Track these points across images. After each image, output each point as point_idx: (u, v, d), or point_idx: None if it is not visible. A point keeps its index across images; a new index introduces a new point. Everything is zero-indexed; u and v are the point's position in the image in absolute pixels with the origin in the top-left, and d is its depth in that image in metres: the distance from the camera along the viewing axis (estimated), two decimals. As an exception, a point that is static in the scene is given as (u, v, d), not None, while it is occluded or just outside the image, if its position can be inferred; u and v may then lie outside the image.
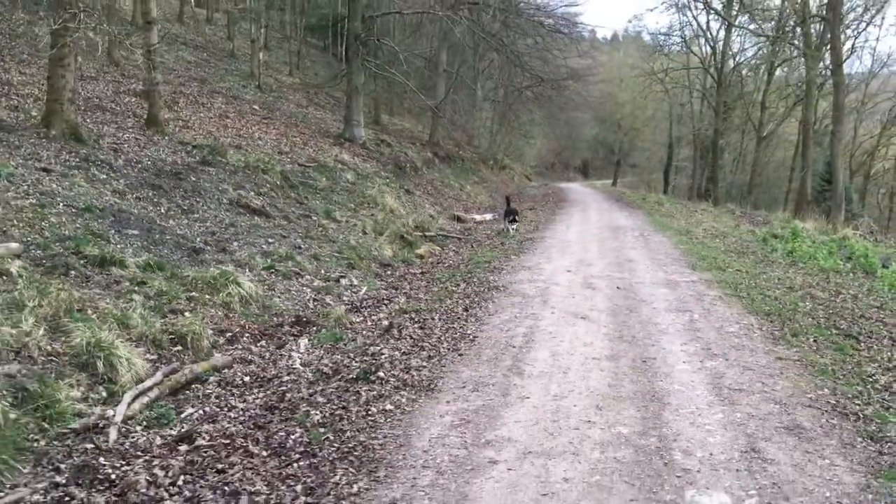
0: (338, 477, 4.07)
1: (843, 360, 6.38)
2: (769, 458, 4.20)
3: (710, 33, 33.49)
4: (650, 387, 5.43)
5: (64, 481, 4.30)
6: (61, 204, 9.15)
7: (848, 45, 28.78)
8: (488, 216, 19.26)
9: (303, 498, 3.85)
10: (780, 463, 4.16)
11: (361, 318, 8.09)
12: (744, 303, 8.36)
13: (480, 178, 31.00)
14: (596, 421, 4.76)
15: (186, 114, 18.08)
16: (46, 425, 4.98)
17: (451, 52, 30.46)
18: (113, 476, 4.32)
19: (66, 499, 4.08)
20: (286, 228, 12.25)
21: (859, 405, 5.21)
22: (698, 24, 34.79)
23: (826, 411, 5.03)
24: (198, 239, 10.13)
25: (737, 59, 34.18)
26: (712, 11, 31.82)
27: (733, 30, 31.60)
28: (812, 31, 24.99)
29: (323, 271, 10.58)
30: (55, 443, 4.83)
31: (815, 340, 6.90)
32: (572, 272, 10.28)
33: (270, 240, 11.25)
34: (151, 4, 15.33)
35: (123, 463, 4.48)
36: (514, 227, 15.58)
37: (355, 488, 3.93)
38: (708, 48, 34.02)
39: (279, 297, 9.02)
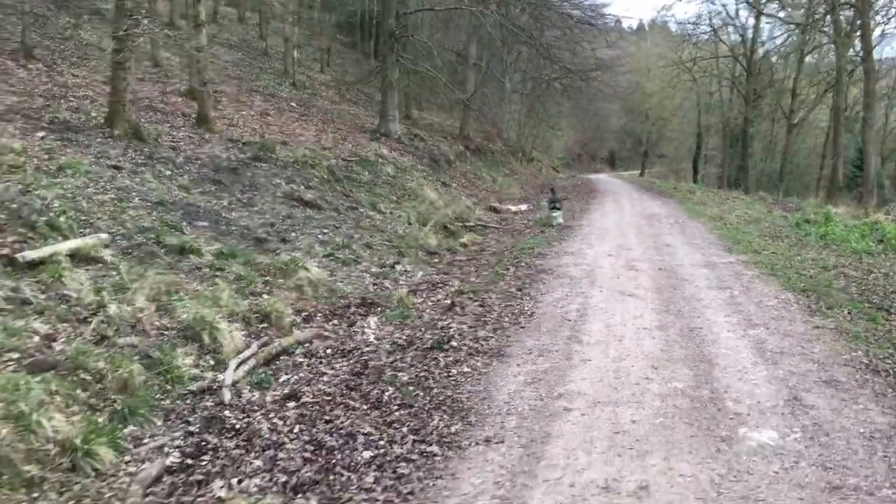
0: (435, 422, 4.81)
1: (876, 328, 7.00)
2: (809, 405, 4.87)
3: (740, 21, 33.87)
4: (699, 351, 6.11)
5: (196, 430, 5.07)
6: (136, 198, 9.99)
7: (878, 31, 29.04)
8: (523, 207, 19.92)
9: (410, 437, 4.59)
10: (820, 408, 4.82)
11: (422, 300, 8.82)
12: (780, 281, 8.99)
13: (511, 171, 31.67)
14: (653, 378, 5.45)
15: (230, 112, 18.93)
16: (169, 387, 5.78)
17: (480, 45, 31.12)
18: (237, 426, 5.08)
19: (202, 443, 4.85)
20: (337, 220, 13.03)
21: (890, 364, 5.84)
22: (727, 13, 35.25)
23: (860, 369, 5.68)
24: (259, 230, 10.91)
25: (766, 46, 34.54)
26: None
27: (763, 18, 31.93)
28: (842, 17, 25.34)
29: (377, 259, 11.34)
30: (178, 402, 5.61)
31: (849, 312, 7.53)
32: (614, 256, 10.95)
33: (325, 230, 12.02)
34: (200, 8, 16.20)
35: (244, 416, 5.25)
36: (557, 213, 15.54)
37: (453, 429, 4.66)
38: (737, 36, 34.40)
39: (341, 281, 9.78)
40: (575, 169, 52.13)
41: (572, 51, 32.22)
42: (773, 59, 34.90)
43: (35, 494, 4.20)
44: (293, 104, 23.89)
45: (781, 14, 31.44)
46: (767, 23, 33.18)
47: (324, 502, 3.87)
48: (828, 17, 26.40)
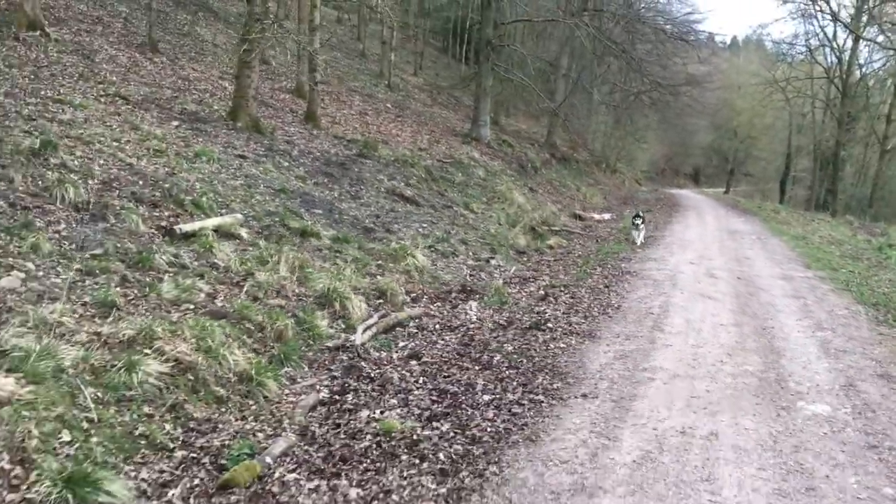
0: (539, 380, 5.88)
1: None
2: (862, 390, 5.75)
3: (837, 43, 33.77)
4: (769, 344, 7.00)
5: (338, 375, 6.27)
6: (262, 185, 11.39)
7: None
8: (607, 216, 20.77)
9: (520, 388, 5.68)
10: (870, 393, 5.69)
11: (516, 290, 9.90)
12: (853, 295, 9.73)
13: (594, 181, 32.44)
14: (727, 362, 6.39)
15: (332, 110, 20.40)
16: (311, 342, 7.01)
17: (571, 56, 32.07)
18: (372, 375, 6.25)
19: (345, 385, 6.03)
20: (434, 216, 14.22)
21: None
22: (824, 34, 35.09)
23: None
24: (366, 220, 12.17)
25: (863, 70, 34.34)
26: (839, 22, 32.14)
27: (861, 41, 31.84)
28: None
29: (472, 253, 12.47)
30: (319, 354, 6.82)
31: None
32: (695, 264, 11.80)
33: (424, 224, 13.22)
34: (316, 13, 17.68)
35: (377, 368, 6.42)
36: (638, 233, 14.70)
37: (555, 386, 5.73)
38: (833, 58, 34.30)
39: (442, 270, 10.94)
40: (658, 183, 52.29)
41: (663, 65, 32.84)
42: (871, 82, 34.65)
43: (223, 409, 5.44)
44: (389, 105, 25.33)
45: (880, 38, 31.30)
46: (866, 46, 33.03)
47: (455, 428, 4.97)
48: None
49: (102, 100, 12.43)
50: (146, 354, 5.35)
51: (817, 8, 32.61)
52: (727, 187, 54.50)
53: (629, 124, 36.97)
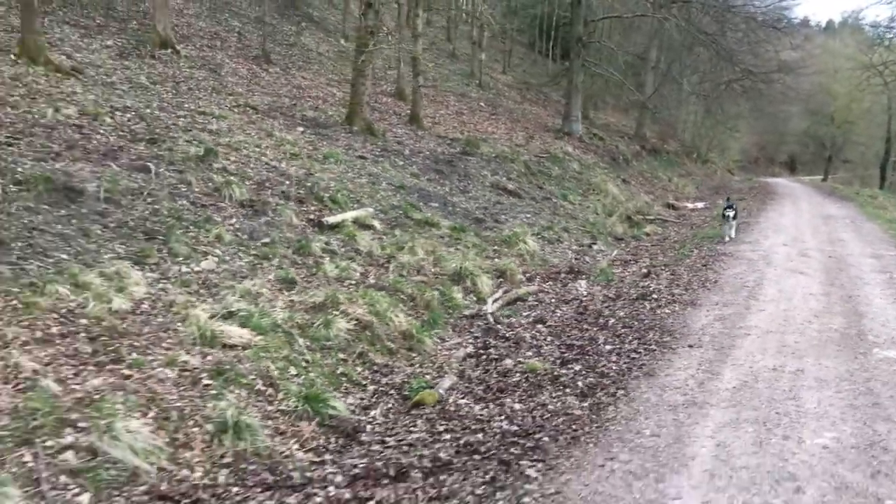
0: (651, 335, 7.18)
1: None
2: (934, 343, 6.82)
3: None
4: (853, 308, 8.08)
5: (479, 336, 7.70)
6: (383, 182, 12.95)
7: None
8: (700, 204, 21.65)
9: (635, 341, 6.99)
10: (941, 344, 6.76)
11: (619, 270, 11.15)
12: (943, 270, 10.58)
13: (686, 171, 33.10)
14: (813, 322, 7.53)
15: (431, 111, 21.89)
16: (451, 311, 8.46)
17: (660, 48, 32.80)
18: (507, 335, 7.66)
19: (486, 342, 7.45)
20: (535, 207, 15.56)
21: None
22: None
23: None
24: (476, 212, 13.61)
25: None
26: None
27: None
28: None
29: (574, 240, 13.77)
30: (459, 321, 8.27)
31: None
32: (788, 246, 12.78)
33: (527, 215, 14.58)
34: (419, 21, 19.28)
35: (510, 330, 7.82)
36: (729, 227, 14.02)
37: (664, 339, 7.02)
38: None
39: (549, 255, 12.28)
40: (751, 172, 52.06)
41: (754, 52, 33.13)
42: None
43: (394, 358, 6.94)
44: (482, 104, 26.76)
45: None
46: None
47: (586, 368, 6.33)
48: None
49: (236, 110, 14.29)
50: (335, 315, 6.90)
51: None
52: (825, 174, 53.70)
53: (720, 113, 37.32)
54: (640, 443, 4.60)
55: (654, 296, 8.93)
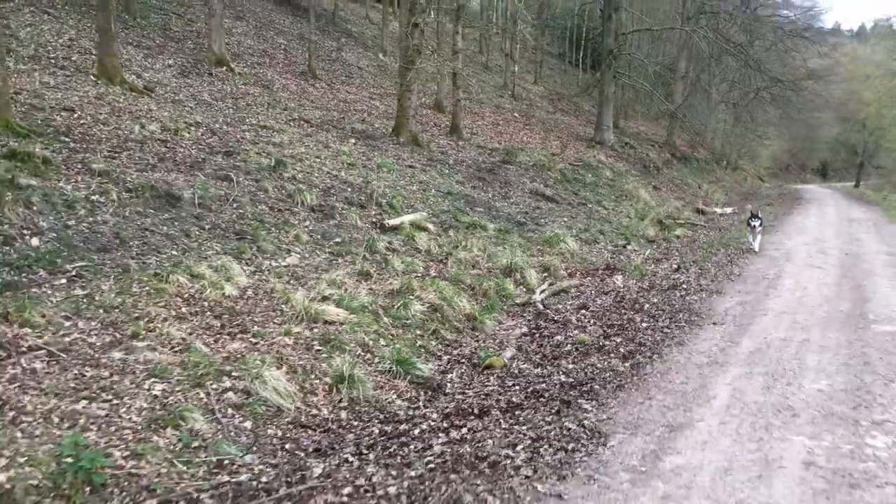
0: (681, 316, 8.50)
1: None
2: (926, 319, 8.05)
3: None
4: (860, 295, 9.32)
5: (531, 319, 9.02)
6: (433, 189, 14.32)
7: None
8: (728, 210, 22.80)
9: (667, 319, 8.31)
10: (932, 321, 8.00)
11: (652, 267, 12.42)
12: (947, 264, 11.76)
13: (716, 178, 34.21)
14: (824, 305, 8.80)
15: (468, 122, 23.26)
16: (504, 300, 9.79)
17: (688, 58, 33.99)
18: (555, 318, 8.98)
19: (538, 324, 8.78)
20: (572, 212, 16.87)
21: None
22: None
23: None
24: (518, 216, 14.93)
25: None
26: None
27: None
28: None
29: (610, 241, 15.05)
30: (512, 307, 9.59)
31: None
32: (809, 245, 14.00)
33: (564, 219, 15.89)
34: (458, 38, 20.67)
35: (557, 314, 9.15)
36: (755, 239, 14.08)
37: (693, 319, 8.35)
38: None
39: (587, 254, 13.58)
40: (782, 179, 52.93)
41: (782, 61, 34.23)
42: None
43: (461, 335, 8.27)
44: (516, 115, 28.16)
45: None
46: None
47: (626, 339, 7.65)
48: None
49: (292, 124, 15.78)
50: (411, 299, 8.28)
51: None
52: (857, 181, 54.33)
53: (749, 121, 38.37)
54: (672, 388, 5.92)
55: (684, 286, 10.22)
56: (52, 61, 13.48)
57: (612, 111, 27.94)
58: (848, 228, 17.03)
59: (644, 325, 8.18)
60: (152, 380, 5.58)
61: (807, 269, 11.37)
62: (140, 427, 4.99)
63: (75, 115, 10.84)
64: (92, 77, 13.35)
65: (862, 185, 51.84)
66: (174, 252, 8.16)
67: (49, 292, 6.37)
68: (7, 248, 6.93)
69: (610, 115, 26.56)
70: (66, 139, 9.76)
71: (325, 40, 26.25)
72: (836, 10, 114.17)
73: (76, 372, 5.43)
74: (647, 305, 9.23)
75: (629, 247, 14.58)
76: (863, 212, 22.02)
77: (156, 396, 5.41)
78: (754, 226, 13.98)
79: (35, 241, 7.26)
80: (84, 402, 5.12)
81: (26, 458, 4.29)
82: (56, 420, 4.82)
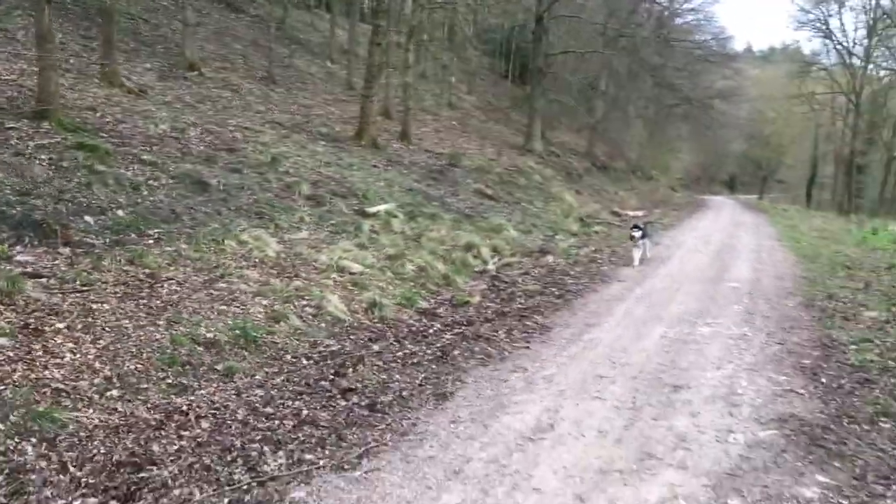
0: (597, 278, 12.26)
1: (835, 274, 13.84)
2: (763, 280, 12.03)
3: (850, 61, 39.91)
4: (723, 268, 13.41)
5: (488, 280, 12.63)
6: (396, 186, 17.78)
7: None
8: (640, 213, 27.02)
9: (587, 280, 12.03)
10: (762, 281, 11.96)
11: (576, 252, 16.21)
12: (795, 252, 15.98)
13: (631, 186, 38.73)
14: (696, 272, 12.79)
15: (413, 129, 26.69)
16: (466, 267, 13.36)
17: (609, 76, 38.47)
18: (506, 280, 12.62)
19: (494, 284, 12.40)
20: (509, 209, 20.62)
21: (823, 291, 12.78)
22: (838, 52, 41.26)
23: (802, 278, 12.68)
24: (466, 209, 18.53)
25: (873, 86, 40.42)
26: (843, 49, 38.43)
27: (871, 58, 38.03)
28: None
29: (541, 232, 18.83)
30: (472, 273, 13.19)
31: (821, 264, 14.44)
32: (697, 239, 18.22)
33: (504, 213, 19.60)
34: (410, 55, 24.18)
35: (508, 279, 12.78)
36: (638, 251, 14.24)
37: (605, 280, 12.09)
38: (848, 75, 40.41)
39: (525, 241, 17.28)
40: (693, 190, 58.31)
41: (693, 82, 39.12)
42: (880, 99, 40.73)
43: (441, 288, 11.79)
44: (454, 123, 31.83)
45: (887, 62, 37.54)
46: (873, 67, 39.22)
47: (559, 289, 11.30)
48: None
49: (266, 126, 18.95)
50: (405, 261, 11.78)
51: (830, 42, 38.86)
52: (760, 193, 60.44)
53: (662, 135, 43.22)
54: (589, 310, 9.65)
55: (600, 261, 14.10)
56: (58, 64, 16.31)
57: (540, 123, 31.95)
58: (733, 229, 21.39)
59: (571, 282, 11.94)
60: (258, 297, 8.94)
61: (691, 253, 15.43)
62: (264, 320, 8.36)
63: (98, 115, 13.72)
64: (96, 80, 16.16)
65: (765, 198, 57.82)
66: (215, 225, 11.35)
67: (146, 249, 9.50)
68: (104, 216, 10.07)
69: (538, 127, 30.59)
70: (104, 135, 12.65)
71: (277, 47, 29.20)
72: (747, 31, 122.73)
73: (205, 292, 8.73)
74: (572, 272, 12.99)
75: (557, 237, 18.39)
76: (751, 217, 26.64)
77: (265, 306, 8.77)
78: (636, 236, 14.15)
79: (121, 213, 10.41)
80: (223, 306, 8.45)
81: (212, 329, 7.66)
82: (215, 314, 8.16)
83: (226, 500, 4.49)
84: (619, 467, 4.78)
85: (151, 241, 9.83)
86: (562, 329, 8.66)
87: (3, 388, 5.67)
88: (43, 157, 10.66)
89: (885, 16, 35.56)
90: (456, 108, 35.23)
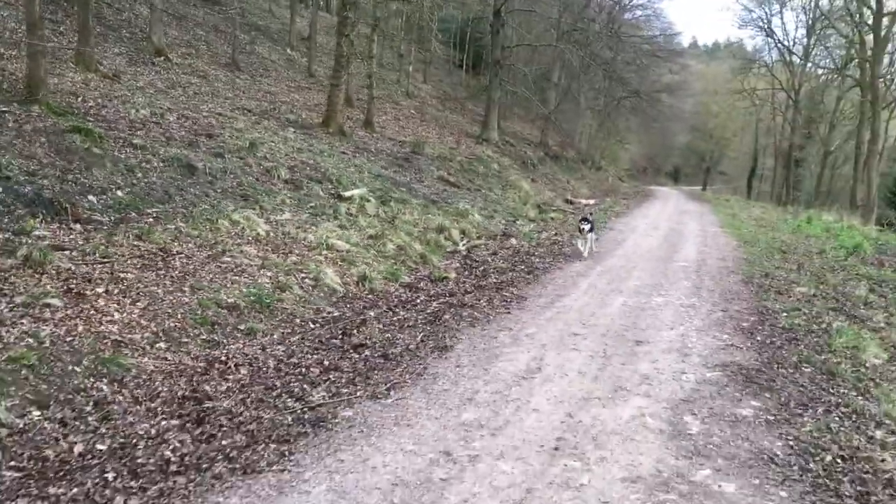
0: (560, 257, 13.55)
1: (772, 257, 15.42)
2: (708, 260, 13.51)
3: (790, 58, 42.13)
4: (672, 249, 14.88)
5: (460, 261, 13.87)
6: (365, 171, 18.89)
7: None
8: (591, 201, 28.58)
9: (551, 259, 13.35)
10: (710, 260, 13.46)
11: (537, 235, 17.54)
12: (736, 238, 17.61)
13: (581, 176, 40.37)
14: (648, 253, 14.24)
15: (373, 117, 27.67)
16: (440, 247, 14.58)
17: (562, 68, 39.99)
18: (476, 259, 13.87)
19: (465, 263, 13.64)
20: (471, 195, 21.87)
21: (760, 270, 14.32)
22: (779, 50, 43.48)
23: (742, 259, 14.20)
24: (432, 195, 19.72)
25: (811, 83, 42.75)
26: (783, 47, 40.60)
27: (810, 57, 40.28)
28: (866, 66, 33.33)
29: (503, 217, 20.12)
30: (445, 254, 14.42)
31: (760, 248, 16.02)
32: (647, 225, 19.73)
33: (467, 200, 20.83)
34: (373, 45, 25.19)
35: (479, 258, 14.03)
36: (581, 240, 14.46)
37: (567, 258, 13.41)
38: (787, 72, 42.65)
39: (489, 225, 18.55)
40: (639, 180, 60.43)
41: (641, 76, 40.89)
42: (816, 96, 43.10)
43: (419, 265, 13.01)
44: (412, 111, 32.90)
45: (824, 61, 39.82)
46: (811, 65, 41.54)
47: (526, 268, 12.58)
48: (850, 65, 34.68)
49: (237, 112, 19.83)
50: (385, 241, 12.94)
51: (771, 40, 41.00)
52: (703, 185, 62.91)
53: (612, 127, 44.98)
54: (556, 284, 10.97)
55: (562, 243, 15.44)
56: (46, 50, 17.01)
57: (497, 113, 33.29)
58: (678, 216, 23.05)
59: (537, 261, 13.28)
60: (262, 270, 10.04)
61: (642, 236, 16.92)
62: (271, 289, 9.47)
63: (80, 99, 14.51)
64: (71, 65, 16.84)
65: (708, 189, 60.23)
66: (206, 206, 12.35)
67: (148, 226, 10.48)
68: (105, 196, 11.02)
69: (495, 117, 31.90)
70: (91, 119, 13.49)
71: (239, 33, 29.86)
72: (693, 26, 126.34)
73: (214, 265, 9.80)
74: (536, 253, 14.32)
75: (517, 222, 19.73)
76: (696, 206, 28.43)
77: (269, 277, 9.88)
78: (584, 228, 14.39)
79: (120, 193, 11.36)
80: (235, 277, 9.54)
81: (231, 295, 8.75)
82: (229, 283, 9.24)
83: (289, 417, 5.66)
84: (597, 395, 6.09)
85: (151, 220, 10.76)
86: (535, 298, 9.96)
87: (71, 338, 6.71)
88: (42, 139, 11.50)
89: (823, 17, 37.70)
90: (413, 96, 36.28)
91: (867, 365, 7.41)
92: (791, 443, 5.27)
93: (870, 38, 31.74)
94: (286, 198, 14.23)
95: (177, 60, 22.49)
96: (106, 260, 8.74)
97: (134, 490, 4.56)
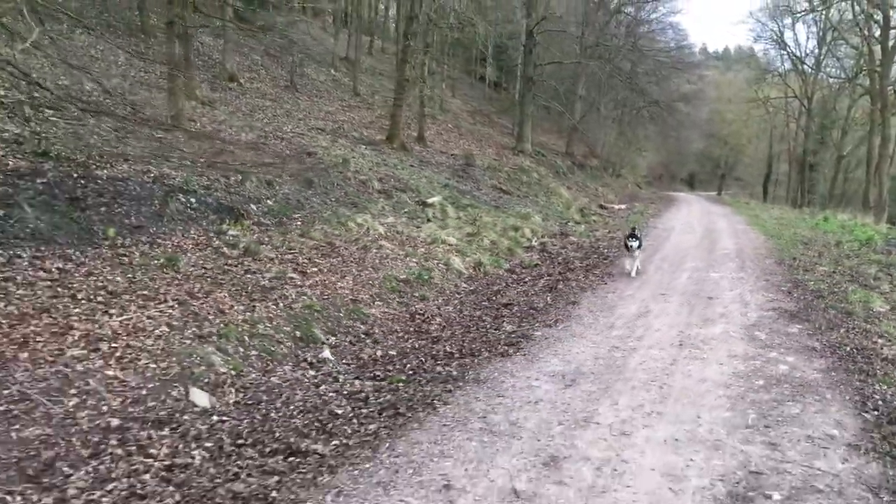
0: (612, 251, 17.05)
1: (796, 247, 18.88)
2: (744, 250, 17.02)
3: (802, 67, 45.81)
4: (712, 244, 18.44)
5: (539, 252, 17.39)
6: (434, 181, 22.40)
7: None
8: (623, 206, 32.12)
9: (616, 250, 16.82)
10: (747, 248, 16.96)
11: (591, 234, 21.01)
12: (763, 233, 21.12)
13: (605, 183, 43.95)
14: (693, 246, 17.73)
15: (413, 132, 31.18)
16: (516, 244, 18.10)
17: (586, 82, 43.64)
18: (552, 252, 17.37)
19: (542, 255, 17.17)
20: (522, 201, 25.40)
21: (789, 256, 17.79)
22: (791, 61, 47.18)
23: (773, 248, 17.68)
24: (491, 201, 23.25)
25: (823, 92, 46.43)
26: (796, 58, 44.28)
27: (821, 67, 43.97)
28: (875, 77, 36.91)
29: (555, 220, 23.61)
30: (522, 249, 17.94)
31: (785, 241, 19.52)
32: (683, 225, 23.24)
33: (519, 205, 24.34)
34: (425, 69, 28.63)
35: (556, 249, 17.52)
36: (634, 259, 14.16)
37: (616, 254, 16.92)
38: (800, 81, 46.34)
39: (546, 226, 22.03)
40: (656, 187, 64.03)
41: (660, 86, 44.46)
42: (828, 104, 46.74)
43: (508, 257, 16.52)
44: (449, 126, 36.44)
45: (833, 69, 43.53)
46: (823, 73, 45.21)
47: (598, 257, 16.04)
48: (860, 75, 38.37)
49: (313, 132, 23.32)
50: (482, 237, 16.44)
51: (784, 52, 44.73)
52: (719, 190, 66.51)
53: (631, 136, 48.58)
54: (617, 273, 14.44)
55: (618, 239, 18.91)
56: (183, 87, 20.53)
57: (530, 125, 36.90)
58: (707, 217, 26.64)
59: (606, 251, 16.76)
60: (407, 258, 13.54)
61: (681, 234, 20.50)
62: (425, 273, 12.96)
63: (197, 125, 17.98)
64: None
65: (723, 194, 63.84)
66: (329, 212, 15.85)
67: (301, 227, 13.92)
68: (260, 205, 14.52)
69: (529, 129, 35.50)
70: (218, 142, 17.02)
71: (286, 56, 33.36)
72: (703, 34, 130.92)
73: (370, 254, 13.30)
74: (600, 246, 17.81)
75: (568, 224, 23.23)
76: (719, 209, 32.05)
77: (413, 265, 13.36)
78: (633, 246, 13.88)
79: (270, 202, 14.87)
80: (393, 262, 13.04)
81: (402, 274, 12.27)
82: (395, 267, 12.73)
83: (501, 337, 9.14)
84: (694, 323, 9.66)
85: (299, 223, 14.19)
86: (619, 275, 13.46)
87: (325, 298, 10.22)
88: (202, 161, 14.99)
89: (833, 29, 41.37)
90: (446, 111, 39.85)
91: (873, 311, 10.90)
92: (825, 342, 8.80)
93: (878, 49, 35.46)
94: (384, 205, 17.67)
95: (246, 85, 25.97)
96: (293, 251, 12.20)
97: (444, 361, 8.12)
